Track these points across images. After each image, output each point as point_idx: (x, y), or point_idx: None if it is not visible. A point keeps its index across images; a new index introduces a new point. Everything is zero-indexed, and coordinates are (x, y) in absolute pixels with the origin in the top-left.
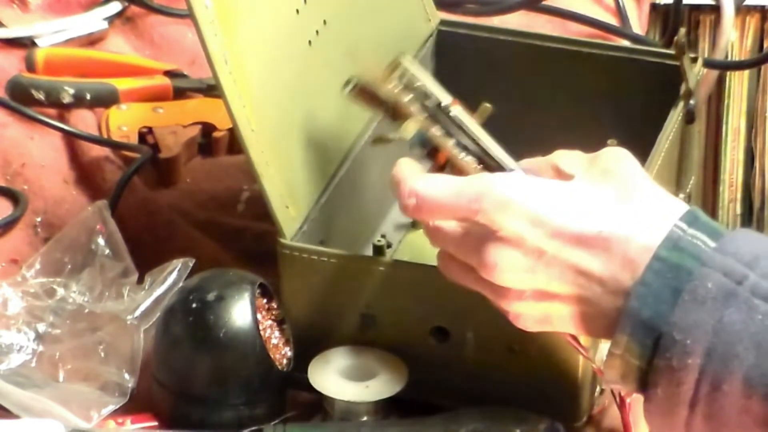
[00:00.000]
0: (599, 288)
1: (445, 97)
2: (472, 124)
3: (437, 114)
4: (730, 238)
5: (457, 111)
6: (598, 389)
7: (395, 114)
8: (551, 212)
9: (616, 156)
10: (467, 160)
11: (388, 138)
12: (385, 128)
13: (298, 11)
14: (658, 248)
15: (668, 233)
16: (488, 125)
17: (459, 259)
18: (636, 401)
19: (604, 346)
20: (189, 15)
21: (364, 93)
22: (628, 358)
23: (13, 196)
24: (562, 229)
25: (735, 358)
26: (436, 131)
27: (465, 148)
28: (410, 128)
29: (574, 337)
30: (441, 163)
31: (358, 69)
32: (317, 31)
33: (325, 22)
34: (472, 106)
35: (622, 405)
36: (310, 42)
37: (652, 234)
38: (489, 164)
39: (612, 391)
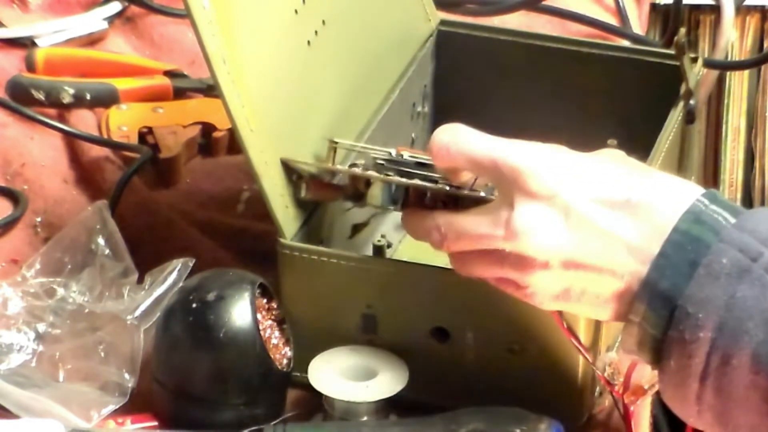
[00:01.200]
0: (627, 256)
1: (389, 150)
2: (428, 158)
3: (392, 165)
4: (749, 215)
5: (407, 154)
6: (598, 389)
7: (355, 194)
8: (581, 177)
9: (621, 153)
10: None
11: (364, 222)
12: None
13: (296, 11)
14: (679, 221)
15: (690, 206)
16: (488, 125)
17: (480, 244)
18: (637, 406)
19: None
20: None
21: (319, 187)
22: (645, 327)
23: (13, 196)
24: (592, 193)
25: (745, 333)
26: (400, 179)
27: (434, 181)
28: (376, 193)
29: (575, 336)
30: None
31: (298, 169)
32: (316, 32)
33: (324, 22)
34: (472, 106)
35: (624, 410)
36: (309, 42)
37: (677, 205)
38: (459, 192)
39: (613, 396)
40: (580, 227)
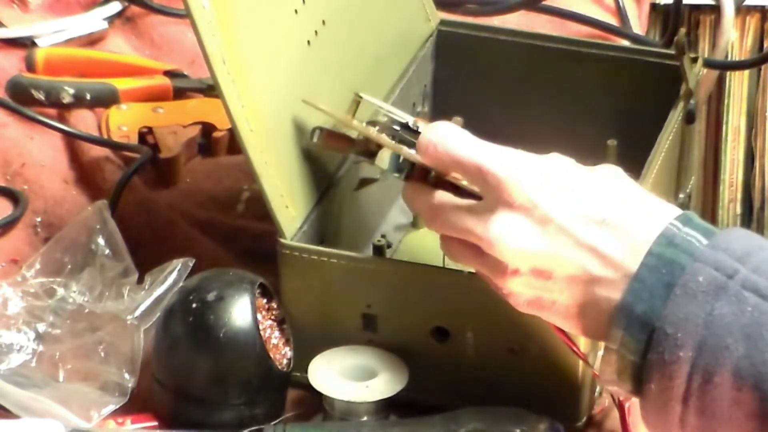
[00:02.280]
0: (601, 268)
1: (409, 118)
2: None
3: (406, 134)
4: (722, 234)
5: (423, 125)
6: (597, 389)
7: (366, 150)
8: (562, 191)
9: (611, 171)
10: None
11: (371, 179)
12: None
13: (296, 11)
14: (653, 245)
15: (663, 230)
16: (488, 125)
17: (464, 236)
18: (635, 404)
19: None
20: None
21: (332, 137)
22: (623, 354)
23: (13, 196)
24: (571, 207)
25: (725, 349)
26: (409, 152)
27: None
28: (385, 157)
29: (569, 338)
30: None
31: (320, 117)
32: (316, 32)
33: (324, 22)
34: (472, 106)
35: (620, 408)
36: (309, 42)
37: (651, 228)
38: (460, 182)
39: (613, 396)
40: (556, 238)
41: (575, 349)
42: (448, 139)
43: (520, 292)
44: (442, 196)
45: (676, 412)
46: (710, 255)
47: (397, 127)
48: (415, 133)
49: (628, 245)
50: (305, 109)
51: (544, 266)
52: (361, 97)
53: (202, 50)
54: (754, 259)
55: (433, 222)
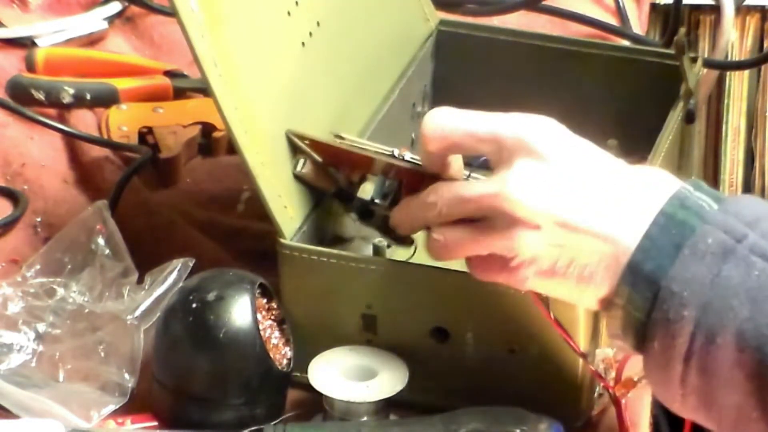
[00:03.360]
0: (620, 224)
1: (393, 149)
2: None
3: (394, 162)
4: (733, 200)
5: (408, 155)
6: (597, 390)
7: (345, 191)
8: (583, 145)
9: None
10: None
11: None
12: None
13: (289, 13)
14: (665, 205)
15: (675, 192)
16: None
17: (473, 206)
18: (632, 401)
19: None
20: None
21: (316, 172)
22: (629, 310)
23: (13, 196)
24: (593, 158)
25: (730, 311)
26: (401, 160)
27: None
28: (368, 188)
29: (568, 334)
30: None
31: (301, 147)
32: (310, 33)
33: (318, 23)
34: (472, 106)
35: (617, 405)
36: (303, 44)
37: (664, 189)
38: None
39: (609, 392)
40: (578, 189)
41: (573, 345)
42: (454, 116)
43: (534, 252)
44: (442, 183)
45: (677, 370)
46: (720, 218)
47: (384, 156)
48: (402, 160)
49: (644, 204)
50: (302, 109)
51: (566, 217)
52: (342, 138)
53: (192, 53)
54: (763, 225)
55: (436, 206)
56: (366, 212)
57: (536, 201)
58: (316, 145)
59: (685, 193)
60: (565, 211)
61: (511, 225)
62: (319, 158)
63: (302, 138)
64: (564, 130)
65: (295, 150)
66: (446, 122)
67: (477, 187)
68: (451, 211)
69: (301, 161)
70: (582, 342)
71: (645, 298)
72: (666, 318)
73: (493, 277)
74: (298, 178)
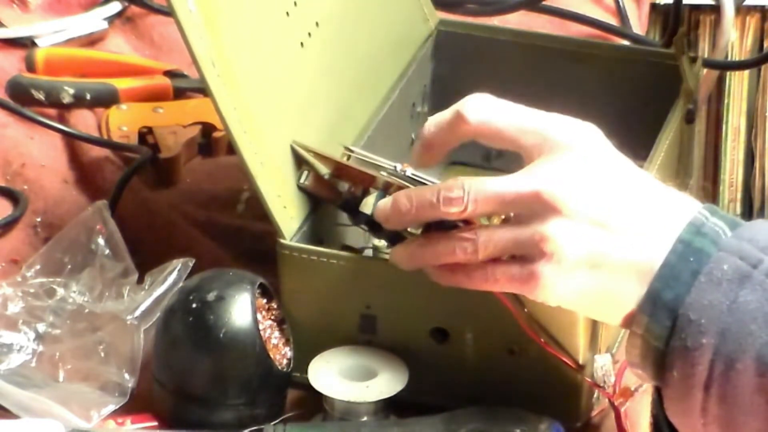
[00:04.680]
0: (651, 230)
1: (396, 164)
2: (429, 178)
3: (396, 178)
4: (747, 226)
5: (410, 171)
6: (596, 394)
7: (350, 204)
8: (613, 150)
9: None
10: None
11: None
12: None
13: (288, 14)
14: (683, 232)
15: (692, 219)
16: None
17: (506, 201)
18: (630, 410)
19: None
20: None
21: (320, 184)
22: (647, 339)
23: (13, 196)
24: (625, 161)
25: (749, 336)
26: (402, 182)
27: None
28: (370, 202)
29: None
30: None
31: (307, 160)
32: (309, 33)
33: (317, 24)
34: None
35: (616, 414)
36: (302, 44)
37: (681, 215)
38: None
39: (608, 400)
40: (617, 196)
41: (566, 360)
42: (501, 102)
43: (568, 245)
44: (466, 178)
45: (697, 399)
46: (735, 245)
47: (384, 174)
48: (402, 178)
49: (664, 229)
50: (301, 109)
51: (605, 217)
52: (351, 151)
53: (190, 53)
54: None
55: (461, 205)
56: (373, 225)
57: (578, 195)
58: (320, 157)
59: (701, 220)
60: (602, 211)
61: (548, 213)
62: (324, 171)
63: (307, 150)
64: (607, 141)
65: (299, 161)
66: (493, 107)
67: (513, 182)
68: (480, 208)
69: (305, 173)
70: (581, 343)
71: (663, 327)
72: (684, 346)
73: (509, 285)
74: (302, 189)
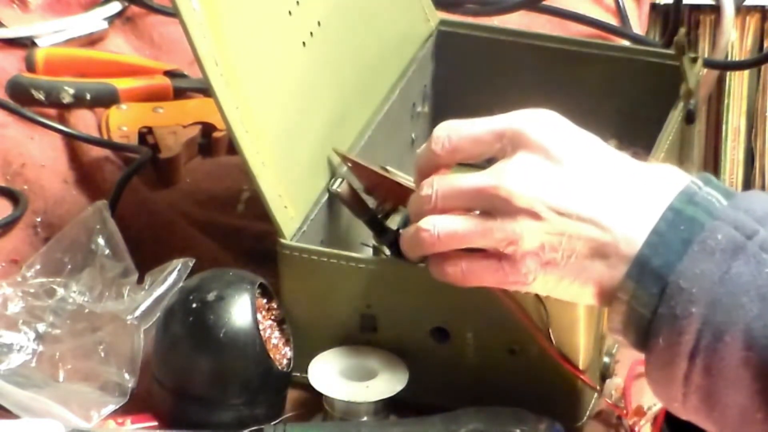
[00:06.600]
0: (619, 216)
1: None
2: None
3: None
4: (743, 196)
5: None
6: (596, 396)
7: (377, 221)
8: (583, 137)
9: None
10: None
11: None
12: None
13: (290, 13)
14: (674, 200)
15: (684, 187)
16: None
17: (470, 196)
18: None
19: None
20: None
21: (352, 196)
22: (633, 306)
23: (13, 196)
24: (593, 150)
25: (739, 308)
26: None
27: None
28: (396, 217)
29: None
30: None
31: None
32: (311, 33)
33: (319, 23)
34: (472, 106)
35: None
36: (304, 43)
37: (672, 185)
38: None
39: (623, 421)
40: (578, 179)
41: (569, 365)
42: (458, 127)
43: (535, 242)
44: (437, 176)
45: (681, 368)
46: (730, 214)
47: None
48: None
49: (649, 199)
50: (302, 109)
51: (567, 204)
52: (387, 170)
53: (194, 52)
54: None
55: (431, 202)
56: (398, 246)
57: (533, 189)
58: (358, 167)
59: (694, 189)
60: (563, 199)
61: (511, 213)
62: (357, 185)
63: (345, 159)
64: (566, 123)
65: (332, 166)
66: (451, 134)
67: (474, 178)
68: (446, 203)
69: (339, 180)
70: (582, 342)
71: (651, 294)
72: (673, 314)
73: (490, 278)
74: (331, 194)
